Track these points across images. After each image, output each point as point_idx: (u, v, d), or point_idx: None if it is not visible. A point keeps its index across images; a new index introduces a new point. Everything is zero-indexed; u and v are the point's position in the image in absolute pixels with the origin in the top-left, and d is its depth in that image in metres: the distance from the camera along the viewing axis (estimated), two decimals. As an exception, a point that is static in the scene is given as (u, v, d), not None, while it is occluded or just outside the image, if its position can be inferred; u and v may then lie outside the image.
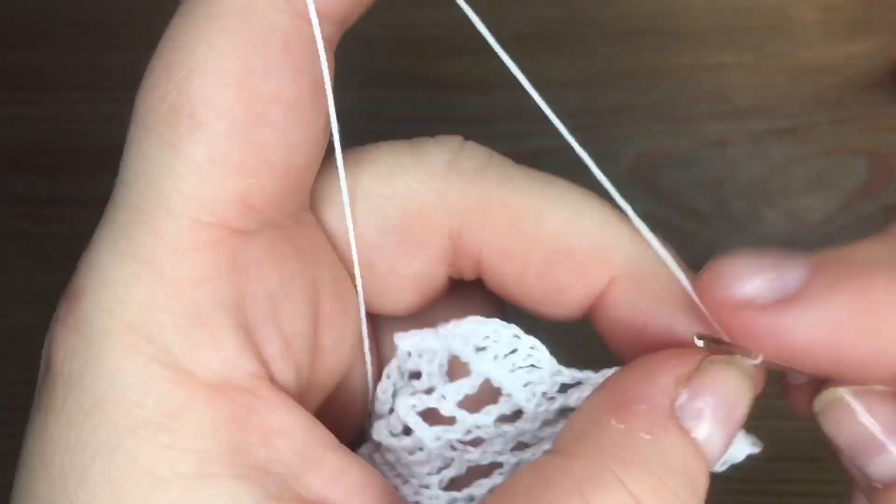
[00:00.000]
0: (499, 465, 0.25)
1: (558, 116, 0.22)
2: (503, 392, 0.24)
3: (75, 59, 0.45)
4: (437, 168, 0.24)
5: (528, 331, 0.24)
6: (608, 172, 0.24)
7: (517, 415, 0.24)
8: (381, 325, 0.26)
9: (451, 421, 0.24)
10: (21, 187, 0.46)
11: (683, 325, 0.23)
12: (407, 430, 0.24)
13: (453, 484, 0.25)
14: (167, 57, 0.21)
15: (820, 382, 0.23)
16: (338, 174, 0.23)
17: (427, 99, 0.44)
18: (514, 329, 0.24)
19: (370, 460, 0.25)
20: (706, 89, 0.44)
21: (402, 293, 0.24)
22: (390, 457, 0.25)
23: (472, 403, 0.24)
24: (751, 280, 0.21)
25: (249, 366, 0.21)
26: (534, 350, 0.24)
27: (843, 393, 0.22)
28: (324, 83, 0.21)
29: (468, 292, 0.26)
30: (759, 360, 0.22)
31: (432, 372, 0.25)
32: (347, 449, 0.22)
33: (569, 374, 0.24)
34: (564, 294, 0.24)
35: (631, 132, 0.44)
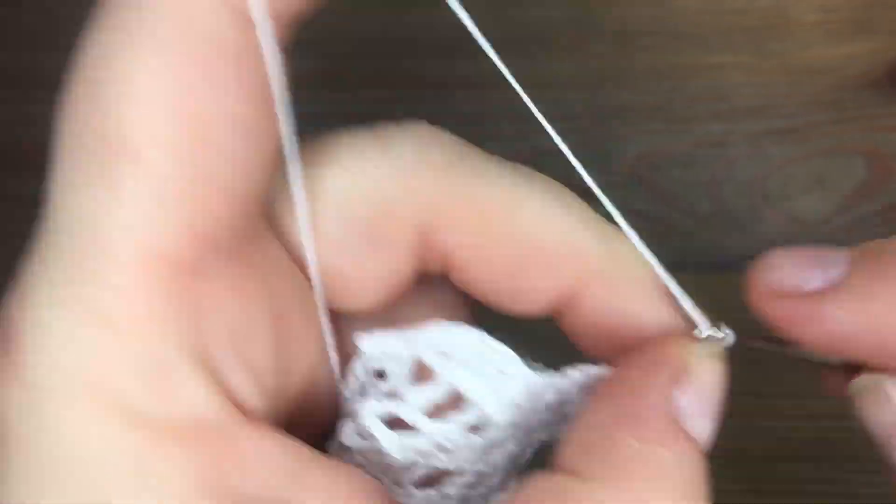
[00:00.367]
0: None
1: (559, 117, 0.22)
2: (470, 400, 0.23)
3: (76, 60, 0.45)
4: (405, 160, 0.22)
5: (493, 325, 0.24)
6: (609, 172, 0.24)
7: (486, 423, 0.24)
8: (344, 319, 0.25)
9: (414, 428, 0.23)
10: (21, 187, 0.46)
11: (658, 322, 0.23)
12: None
13: (427, 481, 0.24)
14: (91, 77, 0.19)
15: (851, 369, 0.23)
16: (290, 171, 0.21)
17: (427, 99, 0.44)
18: (483, 335, 0.23)
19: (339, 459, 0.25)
20: (706, 89, 0.44)
21: (368, 291, 0.23)
22: (359, 457, 0.24)
23: (439, 409, 0.24)
24: (798, 270, 0.22)
25: (216, 403, 0.20)
26: (503, 356, 0.23)
27: (881, 379, 0.22)
28: (272, 87, 0.19)
29: (432, 285, 0.25)
30: (730, 341, 0.22)
31: (396, 373, 0.24)
32: (328, 458, 0.21)
33: (542, 380, 0.23)
34: (533, 292, 0.23)
35: (631, 132, 0.44)
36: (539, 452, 0.24)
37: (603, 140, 0.23)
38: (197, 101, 0.18)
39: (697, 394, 0.22)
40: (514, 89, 0.22)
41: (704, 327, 0.23)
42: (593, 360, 0.23)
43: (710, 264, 0.43)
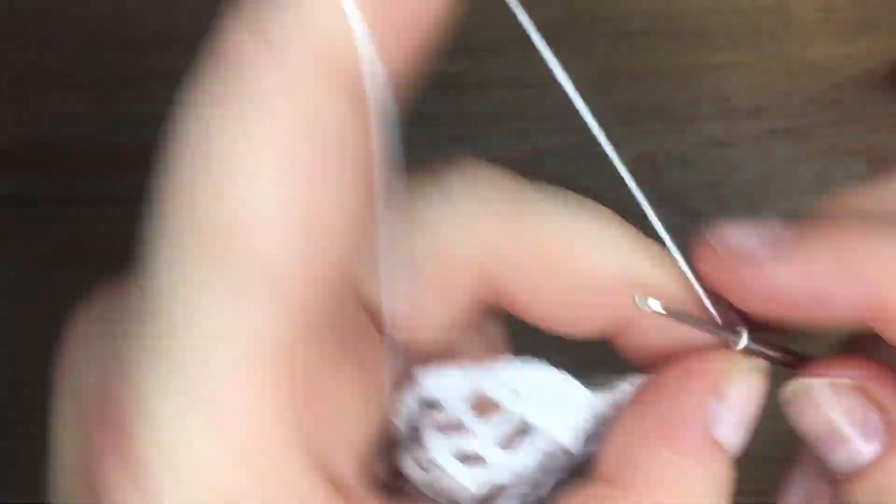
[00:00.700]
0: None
1: (559, 117, 0.22)
2: (540, 430, 0.24)
3: (76, 60, 0.45)
4: (462, 204, 0.23)
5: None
6: (609, 172, 0.24)
7: (556, 449, 0.24)
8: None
9: (485, 460, 0.24)
10: (21, 187, 0.46)
11: (707, 338, 0.24)
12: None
13: (485, 499, 0.25)
14: (200, 156, 0.17)
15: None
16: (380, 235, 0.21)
17: (427, 99, 0.44)
18: (555, 372, 0.23)
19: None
20: (706, 89, 0.44)
21: (431, 332, 0.24)
22: (415, 485, 0.24)
23: (509, 440, 0.24)
24: (748, 237, 0.23)
25: (323, 493, 0.19)
26: (568, 385, 0.23)
27: (810, 384, 0.23)
28: (377, 171, 0.19)
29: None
30: (743, 344, 0.23)
31: (455, 406, 0.24)
32: None
33: (604, 401, 0.24)
34: (589, 322, 0.24)
35: (631, 132, 0.44)
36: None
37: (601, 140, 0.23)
38: (315, 194, 0.17)
39: (734, 405, 0.22)
40: (513, 89, 0.22)
41: (743, 337, 0.23)
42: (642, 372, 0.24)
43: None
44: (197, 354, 0.18)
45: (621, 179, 0.23)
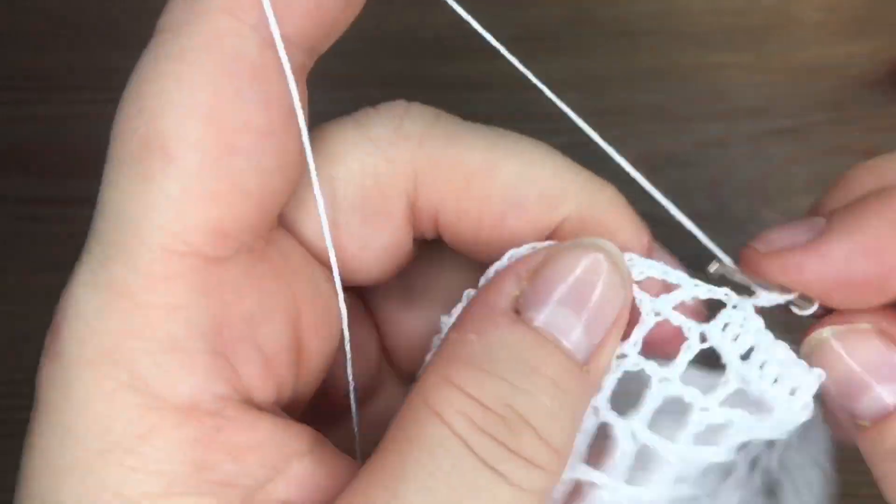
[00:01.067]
0: None
1: (559, 116, 0.22)
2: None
3: (77, 60, 0.45)
4: (383, 137, 0.24)
5: None
6: (609, 172, 0.24)
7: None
8: (370, 297, 0.27)
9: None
10: (21, 187, 0.46)
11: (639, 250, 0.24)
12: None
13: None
14: (137, 91, 0.21)
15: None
16: (310, 173, 0.23)
17: (427, 99, 0.44)
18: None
19: None
20: (706, 89, 0.44)
21: (375, 265, 0.25)
22: None
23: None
24: (788, 232, 0.23)
25: (219, 389, 0.21)
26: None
27: (829, 334, 0.23)
28: (295, 108, 0.22)
29: (435, 252, 0.27)
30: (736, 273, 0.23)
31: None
32: (327, 448, 0.22)
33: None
34: (516, 240, 0.24)
35: (631, 132, 0.44)
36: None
37: (603, 140, 0.23)
38: (226, 112, 0.21)
39: (546, 285, 0.22)
40: (513, 89, 0.22)
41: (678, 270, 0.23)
42: None
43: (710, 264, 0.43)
44: (121, 251, 0.21)
45: (620, 180, 0.23)
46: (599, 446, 0.23)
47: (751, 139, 0.45)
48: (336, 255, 0.24)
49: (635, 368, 0.23)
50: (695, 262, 0.24)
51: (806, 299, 0.23)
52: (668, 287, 0.23)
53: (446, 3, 0.22)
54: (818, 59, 0.44)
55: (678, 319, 0.23)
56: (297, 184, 0.23)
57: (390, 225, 0.24)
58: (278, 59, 0.21)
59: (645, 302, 0.23)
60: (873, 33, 0.44)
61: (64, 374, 0.21)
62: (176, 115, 0.21)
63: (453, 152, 0.24)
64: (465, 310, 0.23)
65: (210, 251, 0.21)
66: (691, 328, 0.23)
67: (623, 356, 0.23)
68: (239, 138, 0.21)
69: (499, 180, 0.24)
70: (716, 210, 0.45)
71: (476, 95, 0.43)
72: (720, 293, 0.23)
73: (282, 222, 0.24)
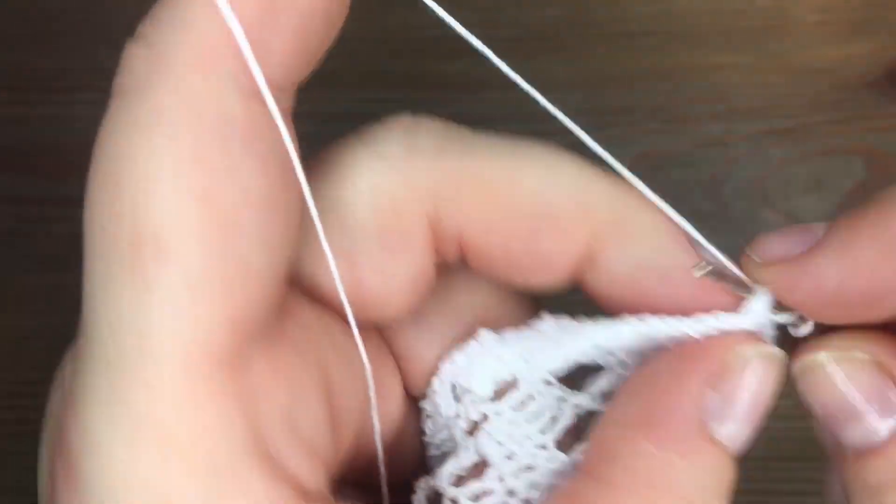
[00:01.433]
0: None
1: (556, 116, 0.22)
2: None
3: (77, 61, 0.45)
4: (395, 154, 0.22)
5: None
6: (608, 172, 0.24)
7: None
8: (393, 333, 0.25)
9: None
10: (21, 188, 0.46)
11: (678, 270, 0.23)
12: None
13: None
14: (110, 170, 0.18)
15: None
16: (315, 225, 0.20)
17: (427, 99, 0.44)
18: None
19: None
20: (706, 89, 0.44)
21: (399, 298, 0.23)
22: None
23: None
24: (785, 242, 0.22)
25: (277, 493, 0.19)
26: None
27: (824, 358, 0.22)
28: (292, 160, 0.19)
29: (453, 280, 0.25)
30: (767, 296, 0.22)
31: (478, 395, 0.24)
32: None
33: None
34: (551, 258, 0.23)
35: (631, 132, 0.44)
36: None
37: (603, 140, 0.22)
38: (217, 183, 0.18)
39: (737, 400, 0.21)
40: (512, 89, 0.22)
41: (723, 262, 0.23)
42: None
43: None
44: (133, 372, 0.18)
45: (620, 180, 0.23)
46: None
47: (750, 139, 0.45)
48: (356, 293, 0.22)
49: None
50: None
51: (802, 318, 0.23)
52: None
53: (446, 3, 0.22)
54: (817, 60, 0.44)
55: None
56: (299, 234, 0.20)
57: (412, 251, 0.22)
58: (265, 109, 0.18)
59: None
60: (872, 34, 0.44)
61: None
62: (162, 197, 0.18)
63: (473, 165, 0.22)
64: (650, 411, 0.21)
65: (230, 349, 0.18)
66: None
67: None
68: (240, 215, 0.18)
69: (525, 190, 0.22)
70: (716, 210, 0.45)
71: (476, 95, 0.43)
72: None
73: (292, 280, 0.21)
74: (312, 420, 0.21)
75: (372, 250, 0.22)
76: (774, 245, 0.22)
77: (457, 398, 0.24)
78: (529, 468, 0.23)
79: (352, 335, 0.22)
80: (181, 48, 0.18)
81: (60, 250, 0.43)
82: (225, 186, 0.18)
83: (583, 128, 0.22)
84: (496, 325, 0.24)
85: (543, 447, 0.23)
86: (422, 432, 0.25)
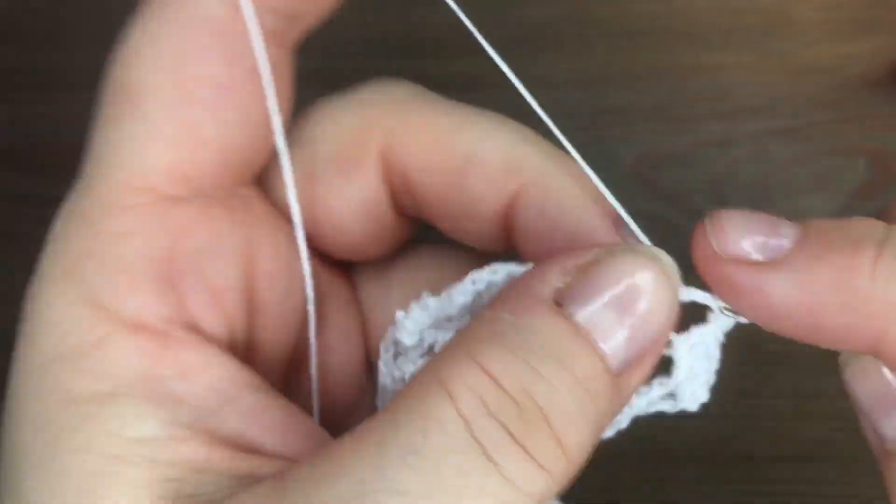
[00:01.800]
0: None
1: (559, 116, 0.22)
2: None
3: (77, 60, 0.45)
4: (363, 100, 0.26)
5: None
6: (609, 172, 0.24)
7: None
8: (359, 282, 0.28)
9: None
10: (21, 187, 0.46)
11: (591, 233, 0.23)
12: None
13: None
14: (121, 46, 0.24)
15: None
16: (276, 134, 0.24)
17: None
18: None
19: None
20: (706, 89, 0.44)
21: (351, 216, 0.26)
22: None
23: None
24: (745, 237, 0.21)
25: (166, 311, 0.23)
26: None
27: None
28: (261, 69, 0.23)
29: (420, 257, 0.28)
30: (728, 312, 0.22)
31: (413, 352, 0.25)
32: (278, 393, 0.23)
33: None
34: (478, 205, 0.25)
35: (631, 132, 0.44)
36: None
37: (603, 140, 0.23)
38: (187, 65, 0.23)
39: (594, 285, 0.21)
40: (513, 89, 0.22)
41: (645, 243, 0.23)
42: None
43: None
44: (90, 187, 0.24)
45: (621, 180, 0.23)
46: None
47: (751, 139, 0.45)
48: (313, 209, 0.25)
49: None
50: (687, 260, 0.24)
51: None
52: None
53: (446, 2, 0.22)
54: (819, 59, 0.44)
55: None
56: (268, 144, 0.24)
57: (365, 176, 0.25)
58: (244, 20, 0.22)
59: None
60: (874, 33, 0.44)
61: (34, 290, 0.23)
62: (143, 65, 0.23)
63: (426, 114, 0.25)
64: (503, 291, 0.22)
65: (167, 190, 0.23)
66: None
67: None
68: (198, 89, 0.23)
69: (463, 139, 0.25)
70: (716, 210, 0.45)
71: (476, 95, 0.43)
72: (712, 302, 0.23)
73: (261, 186, 0.26)
74: (222, 275, 0.24)
75: (329, 172, 0.25)
76: (735, 236, 0.22)
77: (396, 357, 0.25)
78: None
79: (297, 250, 0.25)
80: None
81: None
82: (189, 65, 0.23)
83: (583, 127, 0.22)
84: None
85: None
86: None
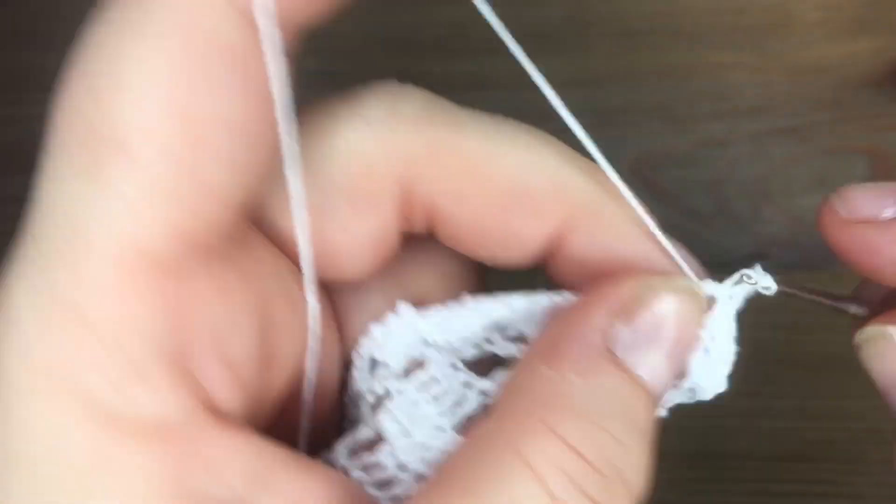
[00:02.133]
0: None
1: (559, 116, 0.22)
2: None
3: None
4: (376, 116, 0.22)
5: None
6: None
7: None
8: (340, 296, 0.24)
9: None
10: (21, 187, 0.46)
11: (646, 260, 0.23)
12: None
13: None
14: (86, 64, 0.18)
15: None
16: (287, 165, 0.20)
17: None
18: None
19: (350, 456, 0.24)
20: (706, 89, 0.44)
21: (357, 256, 0.22)
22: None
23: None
24: (874, 200, 0.22)
25: (186, 404, 0.19)
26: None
27: (887, 329, 0.23)
28: (274, 93, 0.19)
29: (429, 258, 0.25)
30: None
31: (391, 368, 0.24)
32: (307, 461, 0.21)
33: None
34: (522, 235, 0.23)
35: (631, 132, 0.44)
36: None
37: (603, 140, 0.22)
38: (194, 101, 0.18)
39: (644, 327, 0.21)
40: (513, 89, 0.22)
41: (692, 273, 0.23)
42: None
43: (711, 264, 0.43)
44: (66, 260, 0.18)
45: (621, 179, 0.23)
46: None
47: (751, 139, 0.45)
48: (318, 246, 0.22)
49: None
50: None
51: (856, 301, 0.23)
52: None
53: (446, 3, 0.22)
54: (819, 59, 0.44)
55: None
56: (274, 174, 0.20)
57: (379, 214, 0.22)
58: (259, 41, 0.18)
59: None
60: (874, 32, 0.44)
61: (9, 405, 0.18)
62: (134, 101, 0.18)
63: (453, 137, 0.22)
64: (553, 335, 0.21)
65: (169, 258, 0.18)
66: None
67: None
68: (208, 132, 0.18)
69: (503, 165, 0.22)
70: (716, 209, 0.45)
71: (476, 95, 0.43)
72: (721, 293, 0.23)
73: (254, 216, 0.22)
74: (242, 347, 0.20)
75: (340, 207, 0.22)
76: (862, 201, 0.22)
77: (372, 371, 0.24)
78: (425, 447, 0.23)
79: (303, 287, 0.22)
80: None
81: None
82: (198, 104, 0.18)
83: (583, 127, 0.22)
84: (435, 303, 0.24)
85: (441, 429, 0.23)
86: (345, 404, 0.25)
